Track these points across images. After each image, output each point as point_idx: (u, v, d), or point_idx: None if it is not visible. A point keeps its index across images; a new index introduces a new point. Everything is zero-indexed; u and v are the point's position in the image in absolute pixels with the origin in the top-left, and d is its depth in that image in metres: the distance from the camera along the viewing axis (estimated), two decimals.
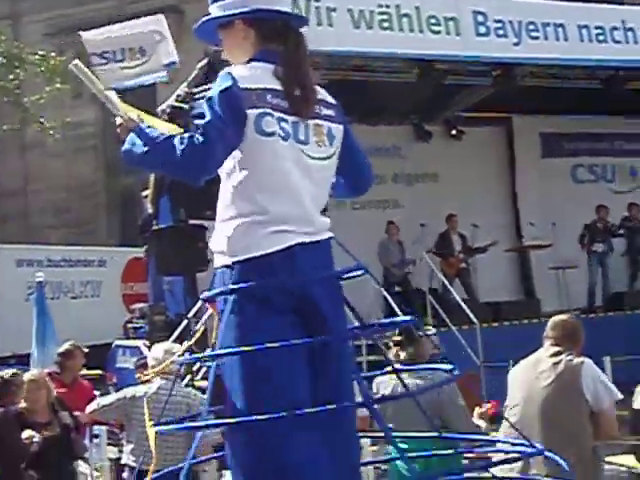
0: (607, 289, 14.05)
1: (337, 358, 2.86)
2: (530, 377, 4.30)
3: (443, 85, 12.80)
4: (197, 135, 2.79)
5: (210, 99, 2.87)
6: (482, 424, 4.60)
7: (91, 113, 23.40)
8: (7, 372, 6.41)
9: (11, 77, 19.08)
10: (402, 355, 4.73)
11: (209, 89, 3.04)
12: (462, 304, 11.37)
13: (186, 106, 10.32)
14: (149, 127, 2.95)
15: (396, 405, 4.61)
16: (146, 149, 2.84)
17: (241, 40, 3.03)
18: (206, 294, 2.93)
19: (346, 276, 2.98)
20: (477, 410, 4.66)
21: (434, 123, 14.49)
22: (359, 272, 3.00)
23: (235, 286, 2.78)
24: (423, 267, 13.01)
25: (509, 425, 4.29)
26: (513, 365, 9.57)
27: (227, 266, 2.85)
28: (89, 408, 6.18)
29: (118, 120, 3.02)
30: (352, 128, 3.16)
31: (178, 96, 10.43)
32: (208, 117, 2.82)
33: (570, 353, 4.30)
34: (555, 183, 14.81)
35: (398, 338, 4.76)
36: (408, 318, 3.89)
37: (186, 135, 2.82)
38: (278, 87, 2.91)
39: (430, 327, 5.10)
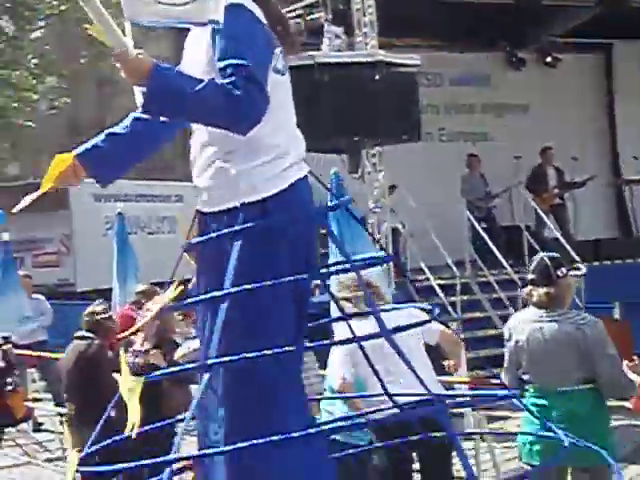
0: None
1: None
2: None
3: (539, 7, 11.97)
4: (247, 80, 2.48)
5: (238, 35, 2.55)
6: (636, 378, 3.99)
7: (164, 48, 22.86)
8: (98, 307, 6.14)
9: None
10: (534, 296, 4.12)
11: None
12: (563, 241, 10.65)
13: None
14: (168, 68, 2.57)
15: (533, 354, 4.05)
16: (189, 98, 2.49)
17: None
18: (221, 232, 2.68)
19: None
20: (626, 363, 4.03)
21: (527, 50, 13.65)
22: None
23: (249, 224, 2.61)
24: (514, 202, 12.32)
25: None
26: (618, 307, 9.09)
27: (230, 209, 2.67)
28: (179, 352, 5.78)
29: (117, 56, 2.55)
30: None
31: None
32: (255, 58, 2.53)
33: None
34: None
35: (532, 276, 4.15)
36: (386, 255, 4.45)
37: (233, 79, 2.48)
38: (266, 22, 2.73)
39: (580, 265, 4.43)
